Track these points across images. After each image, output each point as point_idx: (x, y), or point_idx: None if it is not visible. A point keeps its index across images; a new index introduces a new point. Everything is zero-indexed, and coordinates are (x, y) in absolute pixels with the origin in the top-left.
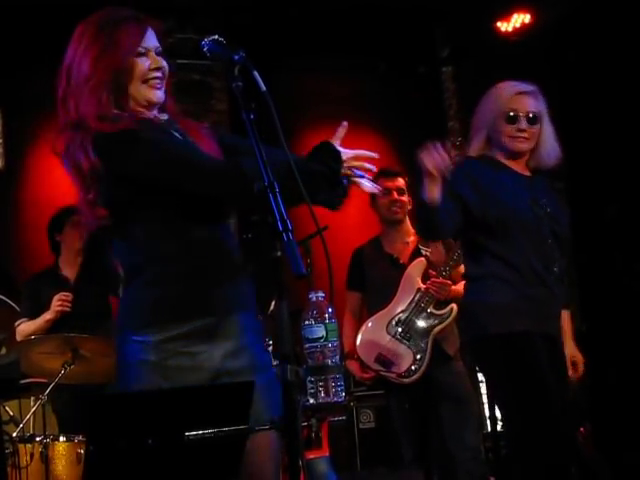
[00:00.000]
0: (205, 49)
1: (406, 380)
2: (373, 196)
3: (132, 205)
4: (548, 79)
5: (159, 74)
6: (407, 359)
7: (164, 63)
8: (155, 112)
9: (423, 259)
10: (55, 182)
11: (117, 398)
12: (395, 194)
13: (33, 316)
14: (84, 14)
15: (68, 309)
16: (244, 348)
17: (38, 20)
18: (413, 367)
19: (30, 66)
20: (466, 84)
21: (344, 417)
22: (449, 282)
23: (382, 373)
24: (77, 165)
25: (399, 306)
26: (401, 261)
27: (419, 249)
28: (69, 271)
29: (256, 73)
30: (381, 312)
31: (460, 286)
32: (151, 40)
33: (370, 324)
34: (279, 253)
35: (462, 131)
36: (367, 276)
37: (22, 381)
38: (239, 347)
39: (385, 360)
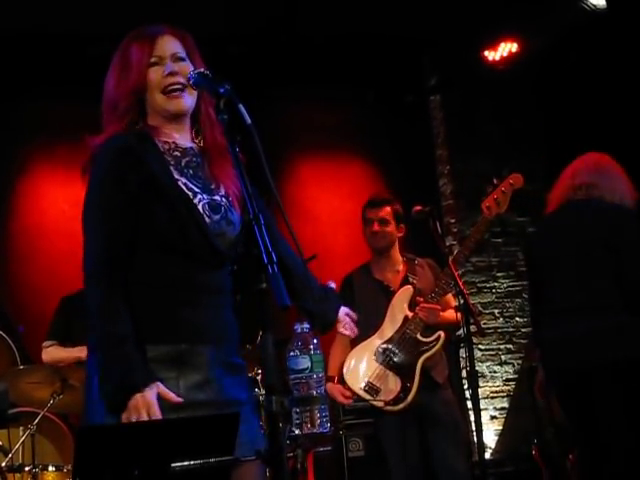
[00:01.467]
0: (191, 82)
1: (394, 408)
2: (363, 224)
3: None
4: (534, 108)
5: (177, 79)
6: (395, 387)
7: (182, 66)
8: (177, 134)
9: (410, 287)
10: (45, 212)
11: (103, 429)
12: (376, 225)
13: (61, 339)
14: (77, 43)
15: None
16: (211, 381)
17: (31, 49)
18: (401, 395)
19: (19, 94)
20: (453, 113)
21: (330, 447)
22: (438, 306)
23: (370, 401)
24: None
25: (387, 333)
26: (391, 288)
27: (408, 277)
28: None
29: (241, 106)
30: (369, 339)
31: (448, 313)
32: (165, 47)
33: (358, 351)
34: (264, 285)
35: (449, 159)
36: (356, 302)
37: (11, 411)
38: (206, 379)
39: (373, 388)
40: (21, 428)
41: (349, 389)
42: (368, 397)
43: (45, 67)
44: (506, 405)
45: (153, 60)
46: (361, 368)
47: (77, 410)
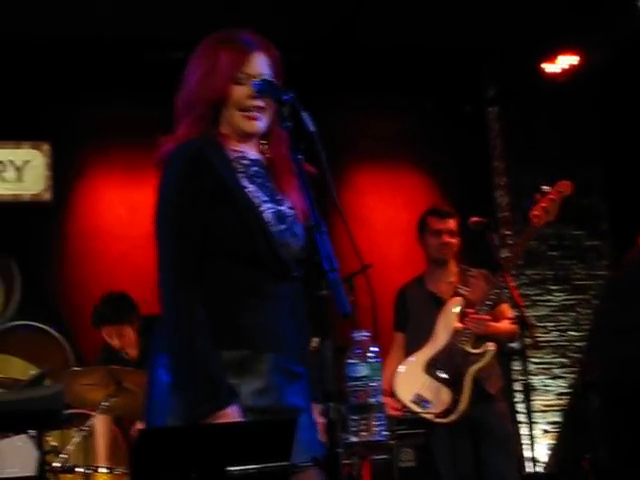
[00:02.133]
0: (255, 89)
1: (443, 420)
2: (422, 233)
3: None
4: (592, 121)
5: (258, 103)
6: (444, 399)
7: (265, 78)
8: (247, 146)
9: (459, 298)
10: (102, 215)
11: (161, 432)
12: (446, 237)
13: None
14: (132, 48)
15: None
16: (271, 388)
17: (87, 54)
18: (450, 407)
19: (78, 99)
20: (511, 124)
21: (386, 456)
22: (487, 317)
23: (419, 413)
24: None
25: (437, 345)
26: (444, 300)
27: (459, 288)
28: (130, 351)
29: (305, 114)
30: (420, 351)
31: (502, 324)
32: (256, 66)
33: (409, 363)
34: (325, 292)
35: (506, 171)
36: (410, 315)
37: (65, 412)
38: (267, 386)
39: (422, 400)
40: (74, 429)
41: (399, 401)
42: (417, 409)
43: (102, 72)
44: (558, 419)
45: (241, 77)
46: (411, 380)
47: (130, 413)
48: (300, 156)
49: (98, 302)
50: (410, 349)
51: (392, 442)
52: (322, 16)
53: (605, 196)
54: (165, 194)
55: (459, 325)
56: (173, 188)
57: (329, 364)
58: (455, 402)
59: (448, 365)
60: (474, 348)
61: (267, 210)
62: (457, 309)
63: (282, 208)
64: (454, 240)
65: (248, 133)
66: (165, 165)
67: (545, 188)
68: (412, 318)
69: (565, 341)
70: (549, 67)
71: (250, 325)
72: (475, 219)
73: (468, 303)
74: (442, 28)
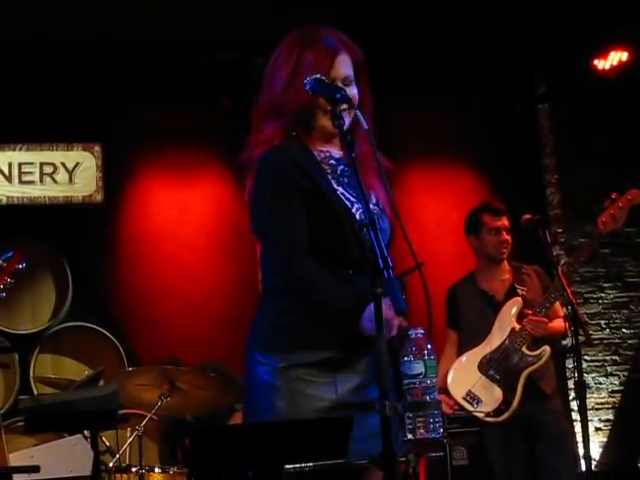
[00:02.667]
0: (308, 87)
1: (495, 419)
2: (476, 231)
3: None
4: None
5: (343, 106)
6: (496, 398)
7: (352, 93)
8: (330, 145)
9: (519, 298)
10: (153, 216)
11: (218, 431)
12: (504, 234)
13: None
14: (183, 52)
15: None
16: (370, 384)
17: (137, 57)
18: (502, 407)
19: (129, 102)
20: (562, 122)
21: (442, 453)
22: (545, 320)
23: (470, 411)
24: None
25: (492, 344)
26: (497, 298)
27: (514, 287)
28: None
29: (358, 112)
30: (474, 349)
31: (556, 323)
32: (341, 69)
33: (462, 361)
34: (380, 290)
35: (557, 168)
36: (461, 313)
37: (120, 412)
38: (365, 382)
39: (475, 398)
40: (128, 429)
41: (452, 398)
42: (469, 407)
43: (152, 74)
44: (611, 417)
45: (328, 82)
46: (464, 377)
47: (183, 412)
48: (353, 154)
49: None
50: (463, 347)
51: (445, 440)
52: (370, 14)
53: None
54: (265, 197)
55: (517, 326)
56: (272, 189)
57: (385, 361)
58: (507, 402)
59: (502, 365)
60: (530, 350)
61: (357, 210)
62: (515, 310)
63: (370, 206)
64: (510, 238)
65: (333, 133)
66: (259, 169)
67: (615, 195)
68: (463, 316)
69: (617, 338)
70: (600, 64)
71: (345, 326)
72: (527, 216)
73: (526, 303)
74: (491, 25)
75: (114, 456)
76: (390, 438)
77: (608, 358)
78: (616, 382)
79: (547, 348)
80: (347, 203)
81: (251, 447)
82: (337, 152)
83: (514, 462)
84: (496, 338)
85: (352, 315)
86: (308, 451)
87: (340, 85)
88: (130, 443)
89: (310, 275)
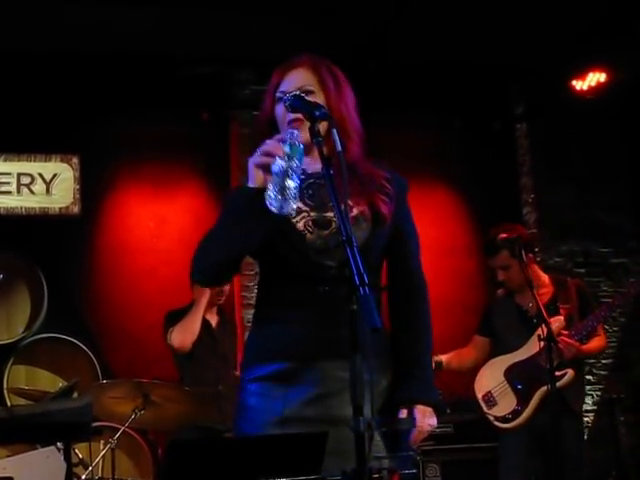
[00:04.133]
0: (287, 104)
1: (500, 425)
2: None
3: None
4: (620, 139)
5: (296, 115)
6: (509, 405)
7: (296, 94)
8: (307, 160)
9: (562, 317)
10: (131, 227)
11: (191, 444)
12: (501, 274)
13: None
14: (162, 65)
15: None
16: (321, 397)
17: (115, 69)
18: (510, 415)
19: (108, 114)
20: (540, 141)
21: (415, 470)
22: (577, 344)
23: (484, 412)
24: None
25: (523, 355)
26: (529, 314)
27: (555, 303)
28: (210, 316)
29: (335, 131)
30: (507, 355)
31: (594, 342)
32: (294, 81)
33: (493, 362)
34: (355, 307)
35: (534, 188)
36: (495, 325)
37: (93, 424)
38: (316, 396)
39: (491, 400)
40: (102, 442)
41: (473, 392)
42: (484, 406)
43: (132, 86)
44: (585, 437)
45: (279, 95)
46: (489, 378)
47: (157, 426)
48: (331, 171)
49: None
50: (494, 354)
51: (418, 457)
52: (352, 33)
53: (633, 214)
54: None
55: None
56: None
57: (359, 378)
58: (516, 412)
59: (525, 376)
60: (556, 369)
61: (302, 219)
62: (556, 326)
63: (328, 214)
64: (511, 274)
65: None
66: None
67: None
68: (496, 327)
69: (592, 358)
70: (578, 84)
71: (297, 335)
72: (504, 235)
73: (567, 322)
74: (470, 44)
75: (87, 468)
76: (364, 454)
77: None
78: (589, 402)
79: (571, 372)
80: (291, 214)
81: (226, 461)
82: (313, 166)
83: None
84: (528, 349)
85: (250, 215)
86: (282, 466)
87: (299, 94)
88: (103, 456)
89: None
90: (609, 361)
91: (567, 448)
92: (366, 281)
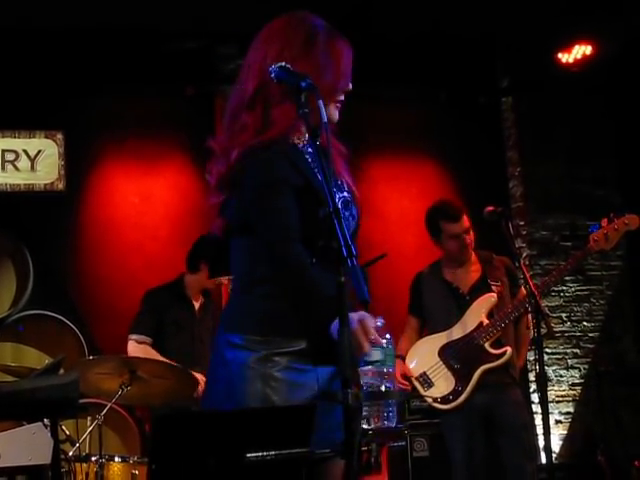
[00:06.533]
0: (272, 75)
1: (440, 407)
2: (437, 236)
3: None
4: (606, 112)
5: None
6: (447, 386)
7: (282, 65)
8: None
9: (494, 295)
10: (116, 204)
11: (179, 418)
12: (465, 238)
13: (148, 332)
14: (146, 40)
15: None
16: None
17: (98, 45)
18: (450, 396)
19: (92, 90)
20: (525, 115)
21: (403, 443)
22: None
23: (420, 392)
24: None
25: (457, 333)
26: (460, 290)
27: (485, 280)
28: (194, 297)
29: (320, 102)
30: (437, 334)
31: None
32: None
33: (423, 343)
34: (343, 278)
35: (520, 161)
36: (424, 302)
37: (80, 401)
38: (336, 372)
39: (427, 380)
40: (89, 419)
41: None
42: (420, 388)
43: (116, 62)
44: (571, 410)
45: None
46: (422, 359)
47: (144, 402)
48: (318, 142)
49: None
50: (426, 333)
51: (406, 431)
52: (335, 6)
53: (619, 187)
54: (258, 187)
55: (485, 321)
56: (266, 182)
57: (347, 350)
58: (457, 392)
59: (463, 355)
60: (493, 347)
61: (339, 200)
62: (487, 305)
63: (345, 194)
64: (471, 237)
65: (332, 122)
66: (252, 165)
67: (612, 215)
68: (426, 304)
69: (578, 331)
70: (564, 57)
71: (325, 315)
72: (490, 208)
73: (499, 300)
74: (455, 18)
75: (74, 445)
76: (352, 427)
77: (569, 351)
78: (577, 375)
79: (509, 349)
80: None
81: (213, 435)
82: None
83: (474, 452)
84: (460, 328)
85: (334, 306)
86: (271, 439)
87: (285, 65)
88: (90, 432)
89: (303, 260)
90: (596, 334)
91: (507, 418)
92: (354, 253)
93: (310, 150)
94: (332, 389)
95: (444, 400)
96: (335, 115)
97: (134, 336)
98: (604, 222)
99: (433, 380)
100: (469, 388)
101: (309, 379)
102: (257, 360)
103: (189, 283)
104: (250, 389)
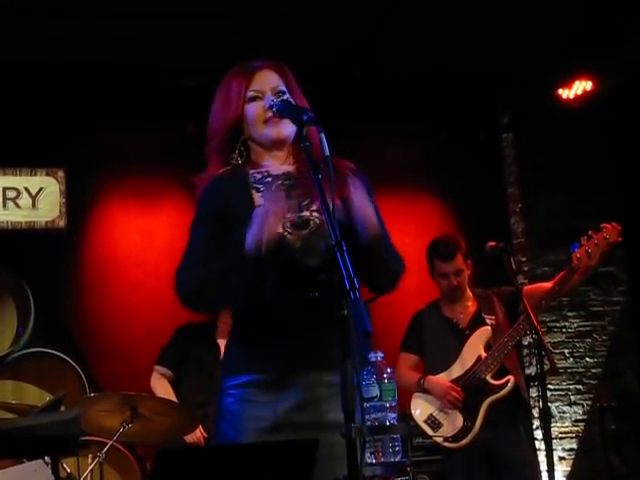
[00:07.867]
0: (274, 109)
1: (452, 445)
2: (431, 271)
3: None
4: (607, 147)
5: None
6: (456, 424)
7: (284, 99)
8: (275, 162)
9: (488, 328)
10: (116, 242)
11: (180, 453)
12: (453, 280)
13: (171, 364)
14: (147, 77)
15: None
16: (311, 403)
17: (99, 83)
18: (460, 434)
19: (93, 127)
20: (526, 151)
21: (407, 477)
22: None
23: (430, 435)
24: None
25: (457, 372)
26: (460, 326)
27: (480, 315)
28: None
29: (323, 135)
30: (439, 375)
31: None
32: (265, 81)
33: None
34: (346, 311)
35: (521, 197)
36: (425, 340)
37: (81, 438)
38: (305, 401)
39: (435, 422)
40: (90, 456)
41: (413, 420)
42: (429, 430)
43: (117, 99)
44: (575, 446)
45: (252, 94)
46: (426, 402)
47: (145, 440)
48: (320, 175)
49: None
50: (425, 372)
51: (409, 467)
52: (337, 42)
53: (620, 222)
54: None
55: (483, 354)
56: (195, 218)
57: (350, 384)
58: (466, 429)
59: (466, 392)
60: (495, 379)
61: (297, 218)
62: (484, 339)
63: (304, 213)
64: (462, 278)
65: (274, 140)
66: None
67: (591, 232)
68: (427, 343)
69: (581, 367)
70: (564, 93)
71: (284, 346)
72: (492, 243)
73: (494, 332)
74: (456, 54)
75: None
76: (356, 461)
77: (572, 387)
78: (580, 411)
79: (511, 378)
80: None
81: (215, 470)
82: (280, 168)
83: None
84: (460, 365)
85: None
86: (273, 474)
87: (287, 99)
88: (91, 470)
89: (180, 281)
90: (599, 370)
91: (508, 455)
92: (356, 285)
93: (269, 179)
94: (298, 420)
95: (455, 439)
96: (275, 132)
97: (157, 367)
98: (584, 240)
99: (441, 421)
100: (478, 423)
101: (263, 411)
102: (222, 398)
103: (220, 324)
104: (216, 428)
